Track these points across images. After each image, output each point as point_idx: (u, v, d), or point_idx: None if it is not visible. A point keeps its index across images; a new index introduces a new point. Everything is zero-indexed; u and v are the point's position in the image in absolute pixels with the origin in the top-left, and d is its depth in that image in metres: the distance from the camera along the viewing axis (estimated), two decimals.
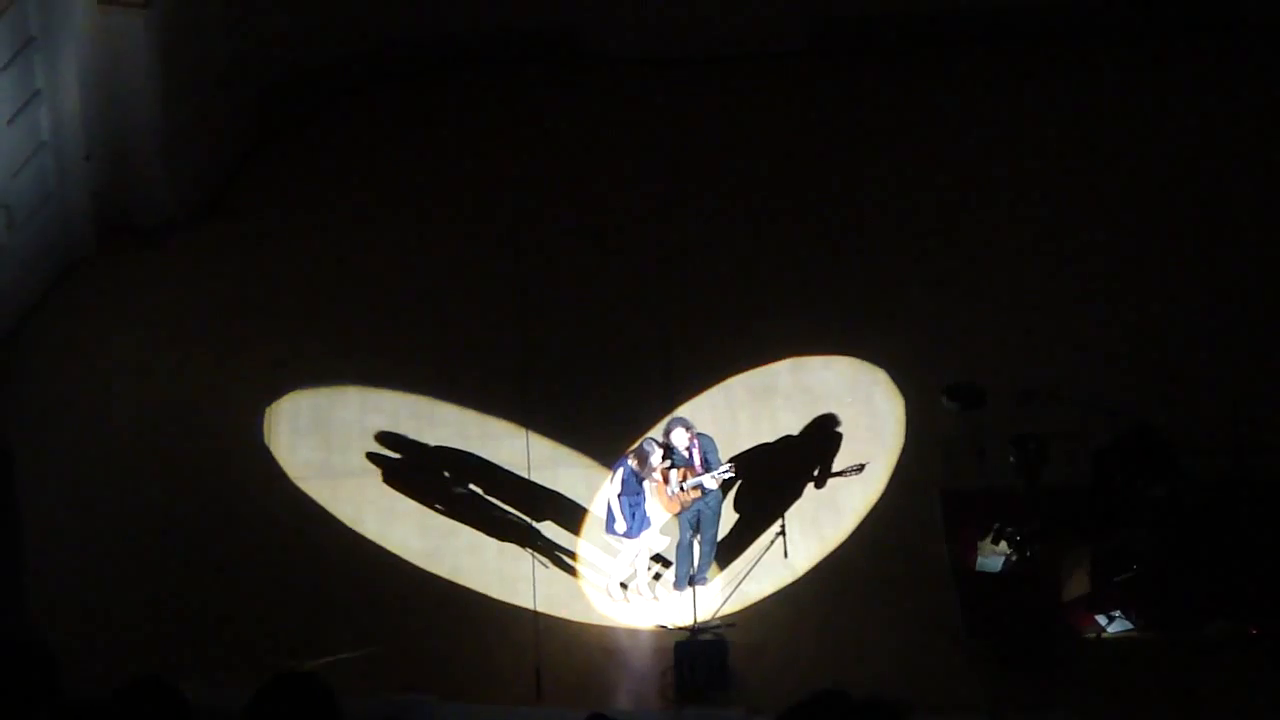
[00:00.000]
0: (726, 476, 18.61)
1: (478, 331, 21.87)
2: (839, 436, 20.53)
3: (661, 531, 19.04)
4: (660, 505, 18.59)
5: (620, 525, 18.36)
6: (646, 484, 18.27)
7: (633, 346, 21.59)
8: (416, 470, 20.43)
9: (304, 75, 24.53)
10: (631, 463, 18.24)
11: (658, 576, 19.24)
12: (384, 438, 20.66)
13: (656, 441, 18.47)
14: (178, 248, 22.94)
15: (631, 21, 25.44)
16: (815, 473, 20.16)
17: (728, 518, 19.41)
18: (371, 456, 20.48)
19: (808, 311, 21.99)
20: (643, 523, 18.41)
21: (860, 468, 20.04)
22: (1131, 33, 25.46)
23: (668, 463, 18.43)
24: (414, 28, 25.03)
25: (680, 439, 18.46)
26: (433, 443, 20.64)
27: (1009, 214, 23.22)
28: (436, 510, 20.00)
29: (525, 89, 25.15)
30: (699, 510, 18.66)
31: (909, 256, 22.70)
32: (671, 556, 19.10)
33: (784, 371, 21.30)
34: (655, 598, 19.08)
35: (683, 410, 20.16)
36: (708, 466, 18.47)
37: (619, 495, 18.28)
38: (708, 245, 22.94)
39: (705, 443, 18.59)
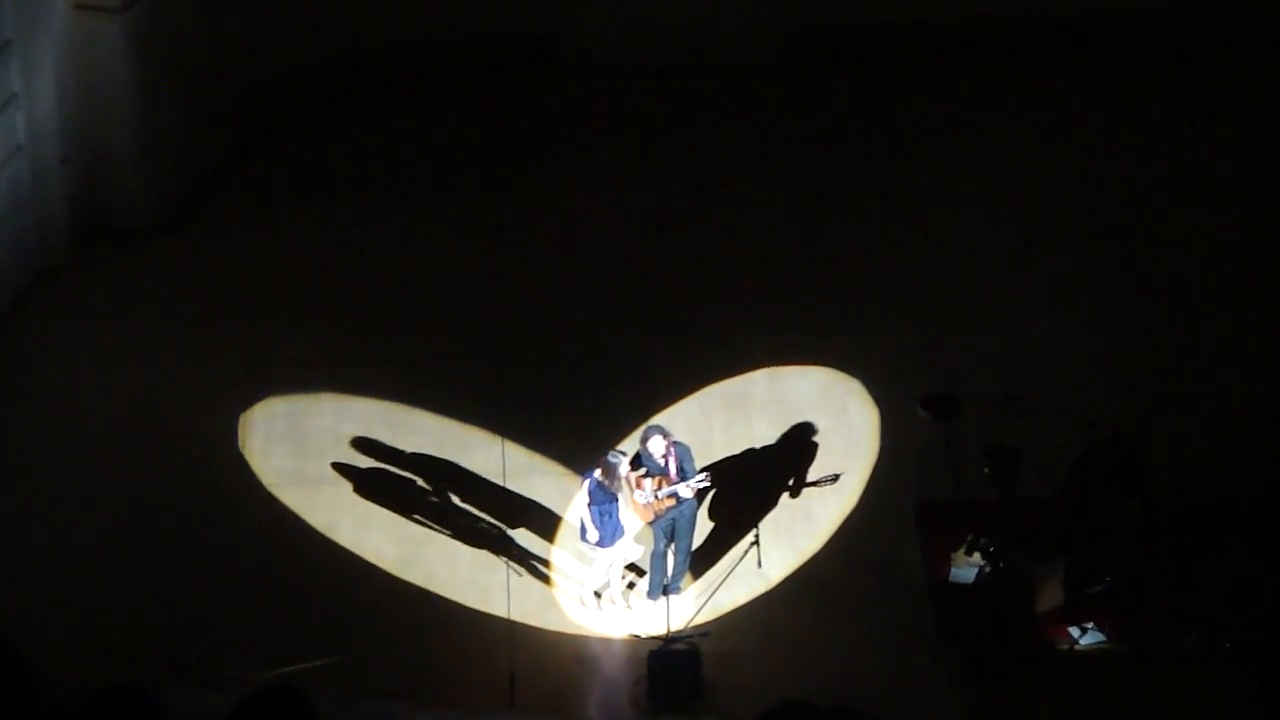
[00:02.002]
0: (702, 486, 18.57)
1: (453, 339, 21.85)
2: (814, 446, 20.54)
3: (635, 540, 19.04)
4: (634, 513, 18.57)
5: (592, 535, 18.33)
6: (620, 492, 18.24)
7: (609, 355, 21.58)
8: (391, 478, 20.40)
9: (282, 81, 24.49)
10: (598, 474, 18.21)
11: (631, 585, 19.23)
12: (359, 444, 20.63)
13: (622, 452, 18.45)
14: (154, 253, 22.89)
15: (608, 31, 25.44)
16: (790, 483, 20.17)
17: (702, 527, 19.40)
18: (346, 464, 20.45)
19: (784, 321, 21.99)
20: (616, 531, 18.39)
21: (835, 478, 20.03)
22: (1110, 43, 25.52)
23: (641, 470, 18.41)
24: (392, 35, 25.00)
25: (657, 447, 18.43)
26: (408, 450, 20.61)
27: (985, 224, 23.25)
28: (411, 518, 19.97)
29: (502, 97, 25.13)
30: (673, 519, 18.64)
31: (884, 266, 22.72)
32: (645, 565, 19.10)
33: (760, 381, 21.30)
34: (629, 606, 19.06)
35: (658, 419, 20.15)
36: (683, 475, 18.44)
37: (589, 505, 18.25)
38: (684, 254, 22.94)
39: (681, 451, 18.55)
